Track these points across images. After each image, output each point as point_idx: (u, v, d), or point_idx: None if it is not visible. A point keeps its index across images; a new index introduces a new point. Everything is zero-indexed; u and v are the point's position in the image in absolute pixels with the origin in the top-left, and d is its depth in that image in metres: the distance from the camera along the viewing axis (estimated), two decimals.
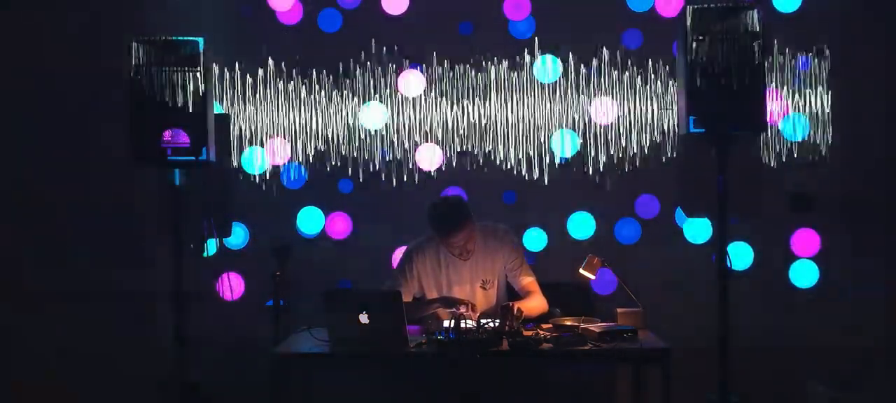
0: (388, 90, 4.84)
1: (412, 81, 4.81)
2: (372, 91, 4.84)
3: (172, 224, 4.26)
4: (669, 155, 4.83)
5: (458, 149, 4.81)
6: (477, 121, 4.84)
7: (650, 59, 4.78)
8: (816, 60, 4.70)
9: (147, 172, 4.73)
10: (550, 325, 4.05)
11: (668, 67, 4.73)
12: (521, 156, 4.83)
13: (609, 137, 4.83)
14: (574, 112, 4.83)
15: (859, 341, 4.78)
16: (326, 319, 3.79)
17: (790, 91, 4.74)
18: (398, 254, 4.59)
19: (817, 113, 4.75)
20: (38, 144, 4.89)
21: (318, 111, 4.89)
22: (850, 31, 4.84)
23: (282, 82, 4.87)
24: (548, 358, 3.77)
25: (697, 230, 4.89)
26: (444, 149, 4.84)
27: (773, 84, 4.67)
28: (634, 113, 4.83)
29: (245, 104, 4.89)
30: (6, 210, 4.90)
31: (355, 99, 4.86)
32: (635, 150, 4.84)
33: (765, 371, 4.72)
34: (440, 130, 4.83)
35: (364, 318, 3.66)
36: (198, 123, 4.19)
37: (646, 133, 4.83)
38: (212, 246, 4.52)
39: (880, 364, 4.80)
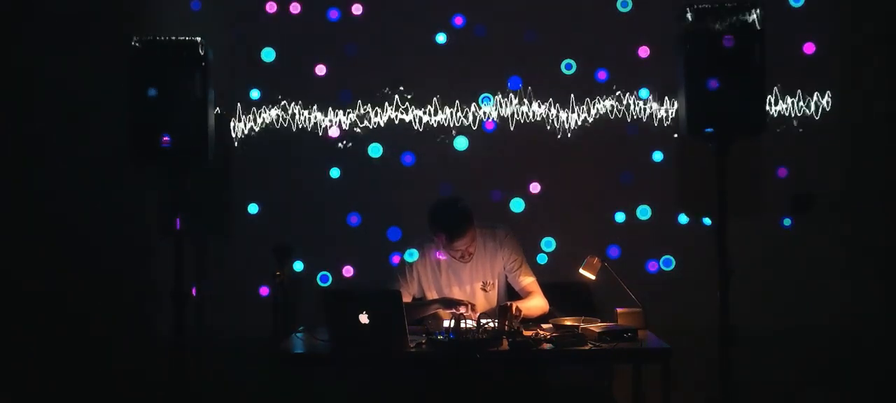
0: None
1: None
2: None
3: (172, 224, 4.27)
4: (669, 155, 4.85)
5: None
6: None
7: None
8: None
9: (147, 172, 4.75)
10: (550, 325, 4.05)
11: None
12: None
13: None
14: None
15: (859, 340, 4.78)
16: (326, 319, 3.79)
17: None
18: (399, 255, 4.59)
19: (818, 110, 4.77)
20: (38, 144, 4.88)
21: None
22: (852, 26, 4.84)
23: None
24: (548, 358, 3.76)
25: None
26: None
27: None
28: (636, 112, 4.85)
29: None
30: (5, 209, 4.89)
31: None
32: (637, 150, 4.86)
33: (765, 370, 4.72)
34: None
35: (364, 318, 3.66)
36: (198, 123, 4.20)
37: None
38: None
39: (879, 363, 4.80)
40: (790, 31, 4.74)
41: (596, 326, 3.88)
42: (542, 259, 4.85)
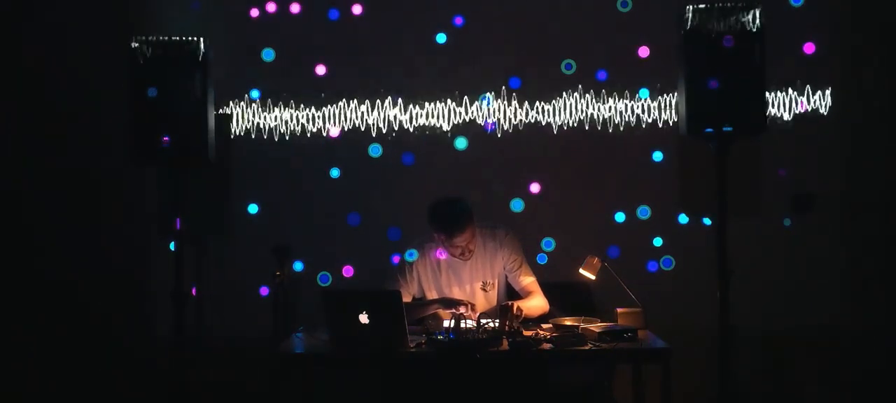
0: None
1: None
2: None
3: (172, 224, 4.27)
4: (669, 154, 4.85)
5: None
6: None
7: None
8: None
9: (147, 172, 4.74)
10: (550, 325, 4.05)
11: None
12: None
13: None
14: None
15: (859, 340, 4.78)
16: (326, 319, 3.78)
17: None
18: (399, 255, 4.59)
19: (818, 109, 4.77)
20: (39, 144, 4.88)
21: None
22: (852, 26, 4.84)
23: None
24: (548, 358, 3.76)
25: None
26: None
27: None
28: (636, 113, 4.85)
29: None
30: (5, 209, 4.89)
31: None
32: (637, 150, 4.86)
33: (765, 370, 4.72)
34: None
35: (364, 318, 3.66)
36: (198, 123, 4.19)
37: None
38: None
39: (879, 363, 4.80)
40: (790, 31, 4.74)
41: (596, 326, 3.88)
42: (542, 259, 4.85)
